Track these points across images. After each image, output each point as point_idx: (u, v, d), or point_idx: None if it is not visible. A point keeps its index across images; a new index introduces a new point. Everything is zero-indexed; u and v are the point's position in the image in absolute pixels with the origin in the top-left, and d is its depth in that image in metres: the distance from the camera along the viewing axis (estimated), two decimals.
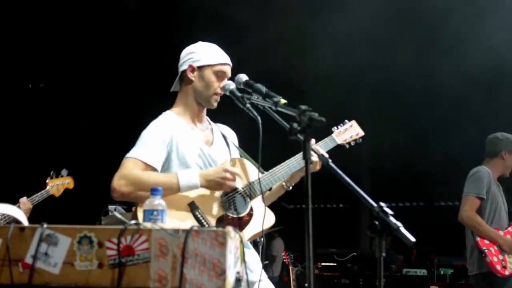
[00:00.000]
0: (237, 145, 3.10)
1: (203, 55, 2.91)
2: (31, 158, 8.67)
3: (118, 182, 2.66)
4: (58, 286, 1.87)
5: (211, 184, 2.72)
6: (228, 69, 2.94)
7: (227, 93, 2.84)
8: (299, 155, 2.93)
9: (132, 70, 8.48)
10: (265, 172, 2.88)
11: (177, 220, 2.63)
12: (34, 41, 7.89)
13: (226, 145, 3.03)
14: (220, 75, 2.90)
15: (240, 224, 2.80)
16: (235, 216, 2.80)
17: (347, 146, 3.25)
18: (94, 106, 9.30)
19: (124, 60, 8.32)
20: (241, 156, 3.02)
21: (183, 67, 2.94)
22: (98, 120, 9.73)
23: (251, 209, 2.84)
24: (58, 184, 5.04)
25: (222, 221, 2.76)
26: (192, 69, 2.91)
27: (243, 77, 2.80)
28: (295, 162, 2.94)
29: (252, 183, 2.86)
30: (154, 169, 2.75)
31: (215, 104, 2.94)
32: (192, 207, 2.72)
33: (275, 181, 2.91)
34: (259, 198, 2.87)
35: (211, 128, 3.05)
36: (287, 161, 2.95)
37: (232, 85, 2.82)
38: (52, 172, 5.03)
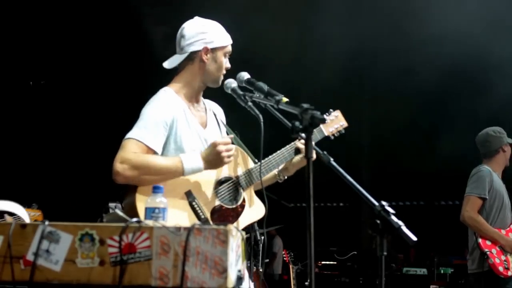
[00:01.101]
0: (225, 122, 3.08)
1: (216, 37, 2.86)
2: (30, 156, 8.68)
3: (122, 166, 2.60)
4: (59, 283, 1.87)
5: (212, 163, 2.70)
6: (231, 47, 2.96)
7: (229, 91, 2.83)
8: (291, 145, 2.97)
9: (133, 67, 8.47)
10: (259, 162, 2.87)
11: (173, 209, 2.60)
12: (35, 38, 7.88)
13: (217, 126, 3.02)
14: (227, 55, 2.90)
15: (233, 214, 2.81)
16: (228, 206, 2.80)
17: (332, 137, 3.20)
18: (94, 103, 9.30)
19: (125, 57, 8.31)
20: (227, 133, 3.00)
21: (194, 47, 2.86)
22: (99, 118, 9.73)
23: (244, 200, 2.85)
24: (29, 214, 5.18)
25: (216, 211, 2.76)
26: (206, 50, 2.85)
27: (245, 75, 2.80)
28: (286, 153, 2.96)
29: (246, 173, 2.86)
30: (155, 153, 2.71)
31: (220, 83, 2.93)
32: (189, 196, 2.71)
33: (268, 171, 2.91)
34: (252, 189, 2.88)
35: (205, 108, 3.01)
36: (279, 151, 2.95)
37: (233, 83, 2.82)
38: (26, 205, 5.14)
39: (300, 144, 2.98)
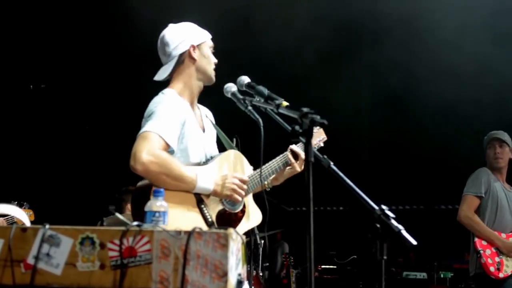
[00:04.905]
0: (214, 123, 3.11)
1: (197, 33, 2.96)
2: (30, 160, 8.68)
3: (148, 158, 2.53)
4: (60, 287, 1.87)
5: (220, 188, 2.74)
6: None
7: (229, 95, 2.84)
8: (284, 155, 3.06)
9: (135, 70, 8.48)
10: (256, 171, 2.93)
11: (184, 211, 2.64)
12: (36, 41, 7.90)
13: (212, 130, 3.06)
14: (211, 48, 3.00)
15: (235, 219, 2.85)
16: (231, 211, 2.84)
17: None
18: (95, 107, 9.30)
19: (127, 60, 8.32)
20: (217, 136, 3.06)
21: (181, 48, 2.90)
22: (99, 121, 9.74)
23: (244, 206, 2.89)
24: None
25: (221, 215, 2.80)
26: (193, 48, 2.91)
27: (245, 79, 2.80)
28: (280, 163, 3.04)
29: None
30: (171, 150, 2.71)
31: (214, 79, 2.99)
32: (198, 200, 2.73)
33: (264, 179, 2.97)
34: (250, 195, 2.94)
35: (200, 113, 3.04)
36: (273, 160, 3.03)
37: (233, 88, 2.82)
38: (16, 202, 5.12)
39: (291, 156, 3.07)
